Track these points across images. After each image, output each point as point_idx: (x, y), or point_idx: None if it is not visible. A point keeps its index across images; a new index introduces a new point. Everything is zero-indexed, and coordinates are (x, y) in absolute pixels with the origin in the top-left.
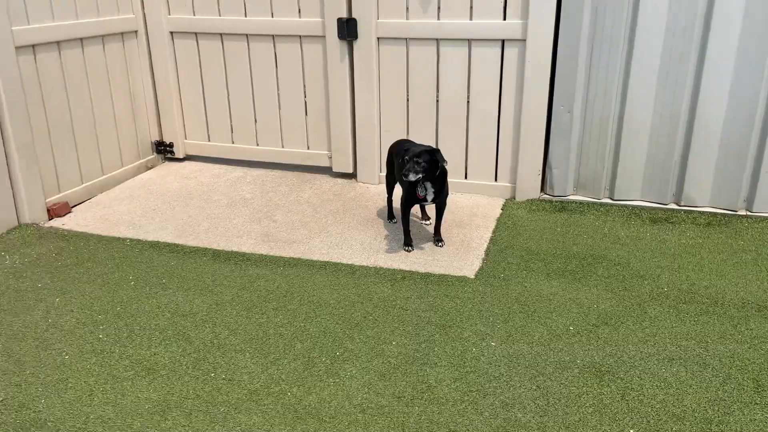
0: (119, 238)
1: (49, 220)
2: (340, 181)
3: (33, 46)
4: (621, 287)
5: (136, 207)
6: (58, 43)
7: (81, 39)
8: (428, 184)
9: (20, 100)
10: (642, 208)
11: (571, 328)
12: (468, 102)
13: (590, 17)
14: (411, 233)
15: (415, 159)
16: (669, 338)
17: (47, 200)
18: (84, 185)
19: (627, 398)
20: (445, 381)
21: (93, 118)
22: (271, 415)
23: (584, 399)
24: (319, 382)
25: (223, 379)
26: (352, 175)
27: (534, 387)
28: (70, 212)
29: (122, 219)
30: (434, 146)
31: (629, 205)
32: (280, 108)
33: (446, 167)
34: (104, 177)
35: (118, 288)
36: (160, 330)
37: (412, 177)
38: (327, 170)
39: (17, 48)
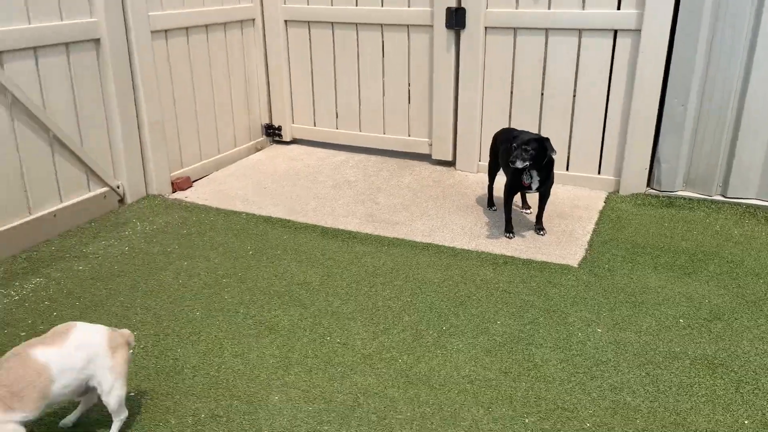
0: (235, 211)
1: (173, 192)
2: (438, 168)
3: (165, 31)
4: (734, 284)
5: (248, 184)
6: (186, 29)
7: (206, 26)
8: (534, 172)
9: (153, 82)
10: (757, 207)
11: (681, 320)
12: (574, 93)
13: (711, 8)
14: (512, 221)
15: (523, 146)
16: None
17: (171, 174)
18: (202, 162)
19: (741, 390)
20: (551, 361)
21: (213, 100)
22: (384, 378)
23: (696, 389)
24: (428, 352)
25: (338, 342)
26: (450, 163)
27: (643, 374)
28: (191, 186)
29: (237, 195)
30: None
31: (743, 203)
32: (384, 95)
33: (554, 157)
34: (220, 156)
35: (238, 256)
36: (279, 295)
37: (519, 164)
38: (426, 157)
39: (152, 32)
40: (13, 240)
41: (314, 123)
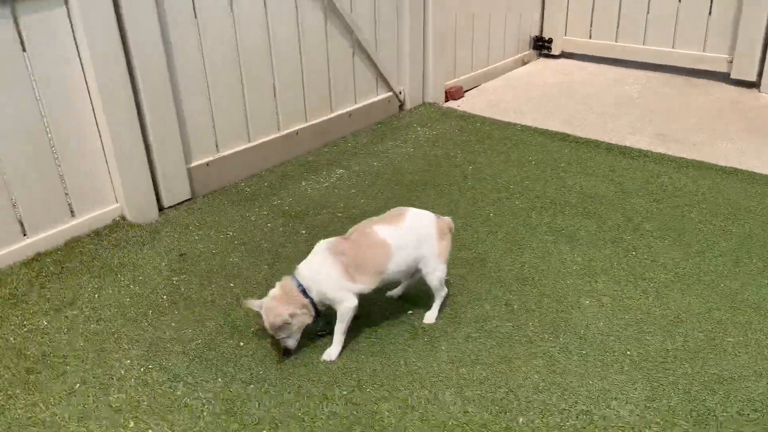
0: (510, 123)
1: (446, 101)
2: (738, 89)
3: None
4: None
5: (519, 96)
6: None
7: None
8: None
9: None
10: None
11: None
12: None
13: None
14: None
15: None
16: None
17: (445, 84)
18: (473, 73)
19: None
20: None
21: (489, 10)
22: (706, 300)
23: None
24: (753, 280)
25: (646, 258)
26: (753, 84)
27: None
28: (462, 96)
29: (509, 106)
30: None
31: None
32: (680, 2)
33: None
34: (489, 67)
35: (521, 165)
36: (571, 206)
37: None
38: (721, 76)
39: None
40: (318, 134)
41: (590, 35)
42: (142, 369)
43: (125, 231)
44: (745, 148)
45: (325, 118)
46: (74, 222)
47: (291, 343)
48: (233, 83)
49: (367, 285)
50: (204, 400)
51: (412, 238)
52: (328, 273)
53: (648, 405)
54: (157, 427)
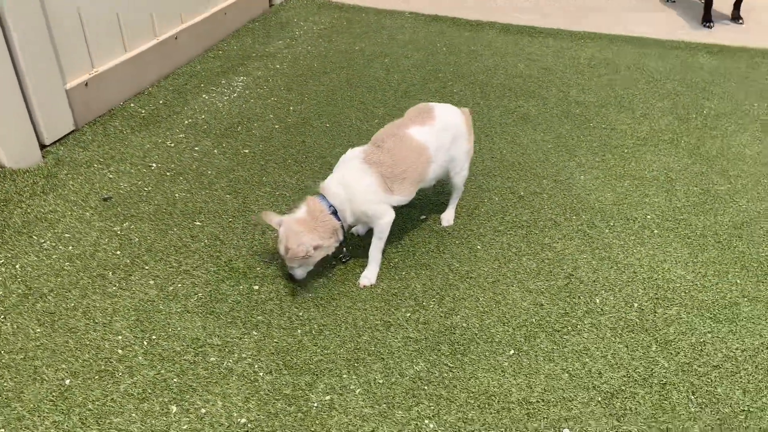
0: (397, 11)
1: None
2: None
3: None
4: None
5: None
6: None
7: None
8: None
9: None
10: None
11: None
12: None
13: None
14: None
15: None
16: None
17: None
18: None
19: None
20: None
21: None
22: (677, 157)
23: None
24: (703, 133)
25: (605, 128)
26: None
27: None
28: None
29: None
30: None
31: None
32: None
33: None
34: None
35: (434, 53)
36: (505, 87)
37: None
38: None
39: None
40: (197, 37)
41: None
42: (145, 343)
43: (11, 181)
44: (632, 17)
45: (201, 17)
46: None
47: (300, 273)
48: None
49: (406, 196)
50: (249, 360)
51: (447, 137)
52: (366, 187)
53: (693, 261)
54: (209, 405)
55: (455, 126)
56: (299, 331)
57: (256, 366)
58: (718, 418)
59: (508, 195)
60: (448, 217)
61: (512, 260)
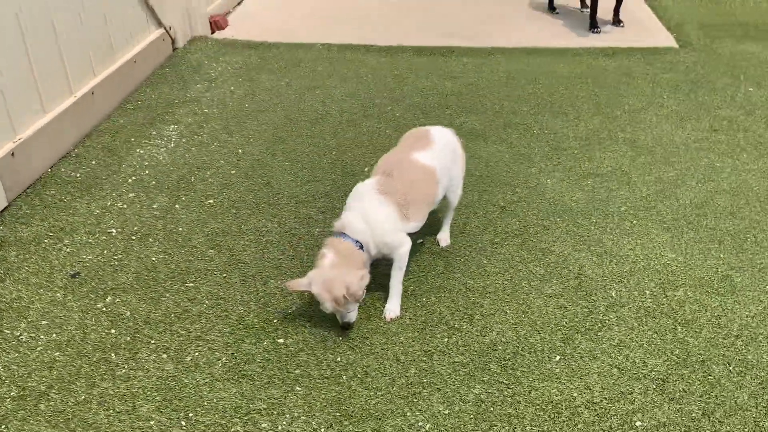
0: (307, 43)
1: (212, 32)
2: None
3: None
4: None
5: (289, 16)
6: None
7: None
8: None
9: None
10: None
11: None
12: None
13: None
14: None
15: None
16: None
17: (208, 14)
18: None
19: None
20: None
21: None
22: (637, 148)
23: None
24: (661, 121)
25: (566, 128)
26: None
27: None
28: (228, 24)
29: (287, 27)
30: None
31: None
32: None
33: None
34: None
35: (360, 81)
36: (444, 107)
37: None
38: None
39: None
40: (112, 90)
41: None
42: (183, 423)
43: None
44: (530, 30)
45: (113, 68)
46: None
47: (354, 316)
48: (13, 44)
49: (420, 221)
50: (304, 417)
51: (448, 155)
52: (386, 216)
53: (677, 243)
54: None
55: (452, 145)
56: (344, 377)
57: (313, 423)
58: (759, 383)
59: (490, 207)
60: (445, 237)
61: (520, 269)
